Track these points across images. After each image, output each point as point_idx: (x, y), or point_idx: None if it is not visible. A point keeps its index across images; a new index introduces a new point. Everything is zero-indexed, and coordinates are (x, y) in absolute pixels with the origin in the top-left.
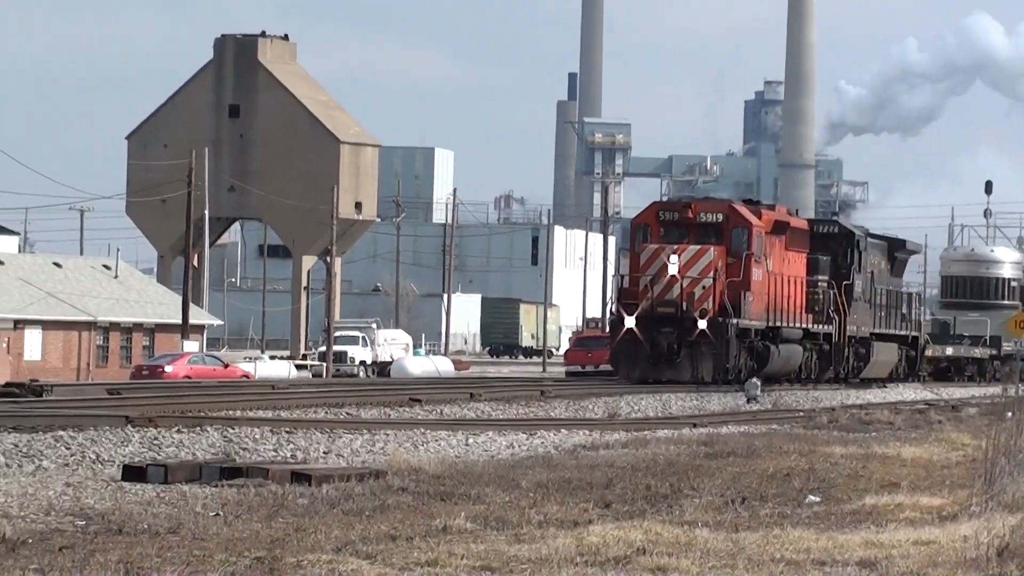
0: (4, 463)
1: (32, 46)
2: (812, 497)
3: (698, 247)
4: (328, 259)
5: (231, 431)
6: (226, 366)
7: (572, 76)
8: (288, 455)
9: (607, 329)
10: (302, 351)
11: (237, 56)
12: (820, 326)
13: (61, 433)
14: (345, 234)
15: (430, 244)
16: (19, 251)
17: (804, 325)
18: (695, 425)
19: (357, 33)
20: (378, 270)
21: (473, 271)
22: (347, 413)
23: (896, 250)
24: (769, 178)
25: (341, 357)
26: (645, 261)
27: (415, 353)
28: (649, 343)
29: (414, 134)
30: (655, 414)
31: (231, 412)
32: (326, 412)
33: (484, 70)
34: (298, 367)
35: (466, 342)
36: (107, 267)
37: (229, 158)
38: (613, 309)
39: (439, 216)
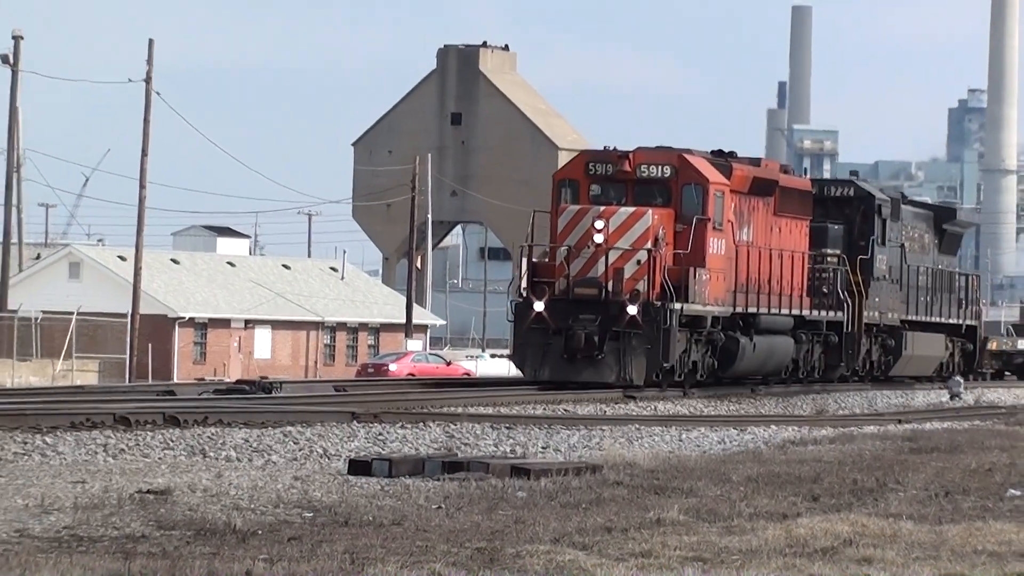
0: (235, 457)
1: (262, 55)
2: (1013, 491)
3: (632, 209)
4: None
5: (453, 427)
6: (448, 364)
7: (781, 85)
8: (508, 450)
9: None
10: None
11: (460, 66)
12: (824, 312)
13: (290, 428)
14: None
15: None
16: (250, 253)
17: (797, 311)
18: (900, 421)
19: (572, 43)
20: None
21: None
22: (564, 410)
23: (945, 221)
24: (972, 183)
25: None
26: (564, 227)
27: None
28: (564, 334)
29: (629, 139)
30: (861, 411)
31: (453, 409)
32: (544, 409)
33: (696, 78)
34: None
35: None
36: (334, 269)
37: (451, 164)
38: (520, 288)
39: None
